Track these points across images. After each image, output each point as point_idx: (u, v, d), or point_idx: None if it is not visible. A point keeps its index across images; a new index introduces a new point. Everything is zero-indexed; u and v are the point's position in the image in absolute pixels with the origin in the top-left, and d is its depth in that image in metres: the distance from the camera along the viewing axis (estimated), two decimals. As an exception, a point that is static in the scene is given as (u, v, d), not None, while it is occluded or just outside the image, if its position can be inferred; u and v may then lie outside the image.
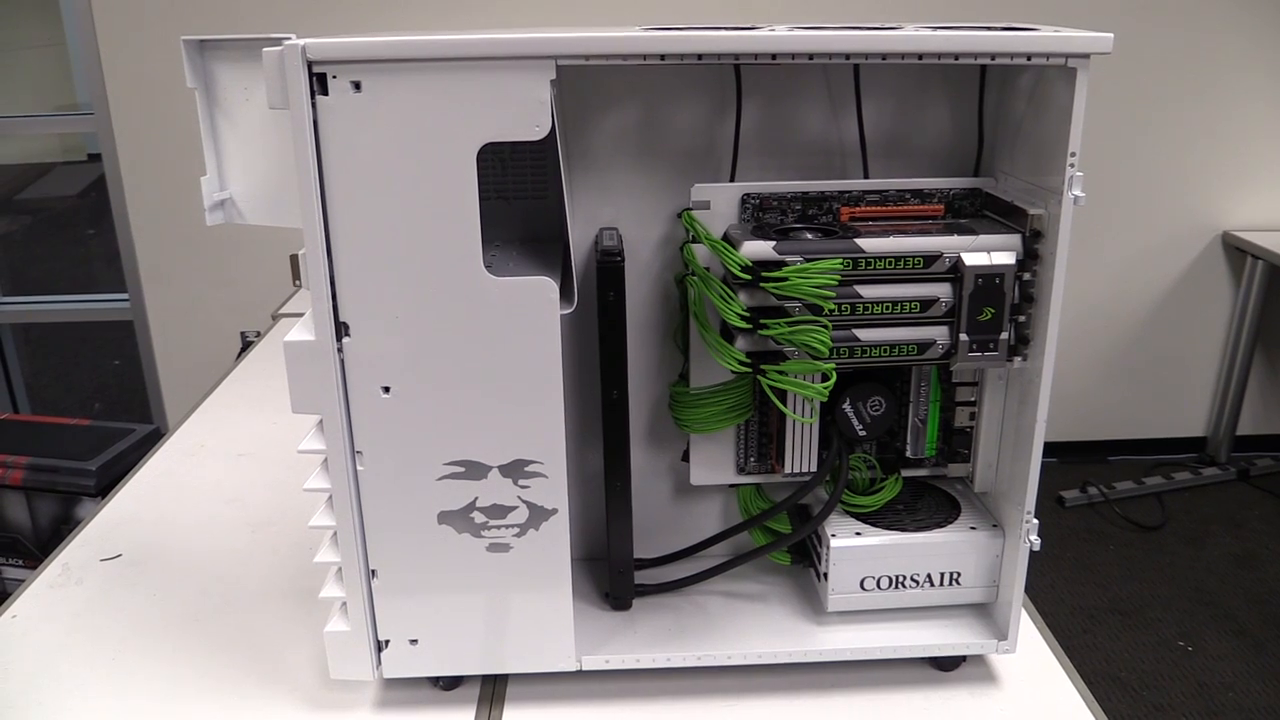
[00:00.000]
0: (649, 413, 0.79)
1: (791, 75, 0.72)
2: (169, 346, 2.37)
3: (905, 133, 0.74)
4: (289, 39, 0.56)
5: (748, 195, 0.69)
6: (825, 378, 0.64)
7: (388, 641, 0.69)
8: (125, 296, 2.33)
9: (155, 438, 1.49)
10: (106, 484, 1.49)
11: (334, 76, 0.56)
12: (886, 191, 0.70)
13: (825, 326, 0.63)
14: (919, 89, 0.73)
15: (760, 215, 0.70)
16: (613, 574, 0.76)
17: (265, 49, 0.56)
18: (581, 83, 0.71)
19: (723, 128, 0.72)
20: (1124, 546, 2.26)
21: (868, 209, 0.70)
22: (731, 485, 0.80)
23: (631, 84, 0.71)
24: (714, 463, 0.77)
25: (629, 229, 0.74)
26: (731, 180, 0.72)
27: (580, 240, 0.74)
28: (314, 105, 0.57)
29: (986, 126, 0.73)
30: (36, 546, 1.52)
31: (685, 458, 0.78)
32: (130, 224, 2.29)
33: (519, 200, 0.76)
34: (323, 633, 0.68)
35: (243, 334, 1.60)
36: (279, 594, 0.85)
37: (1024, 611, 0.77)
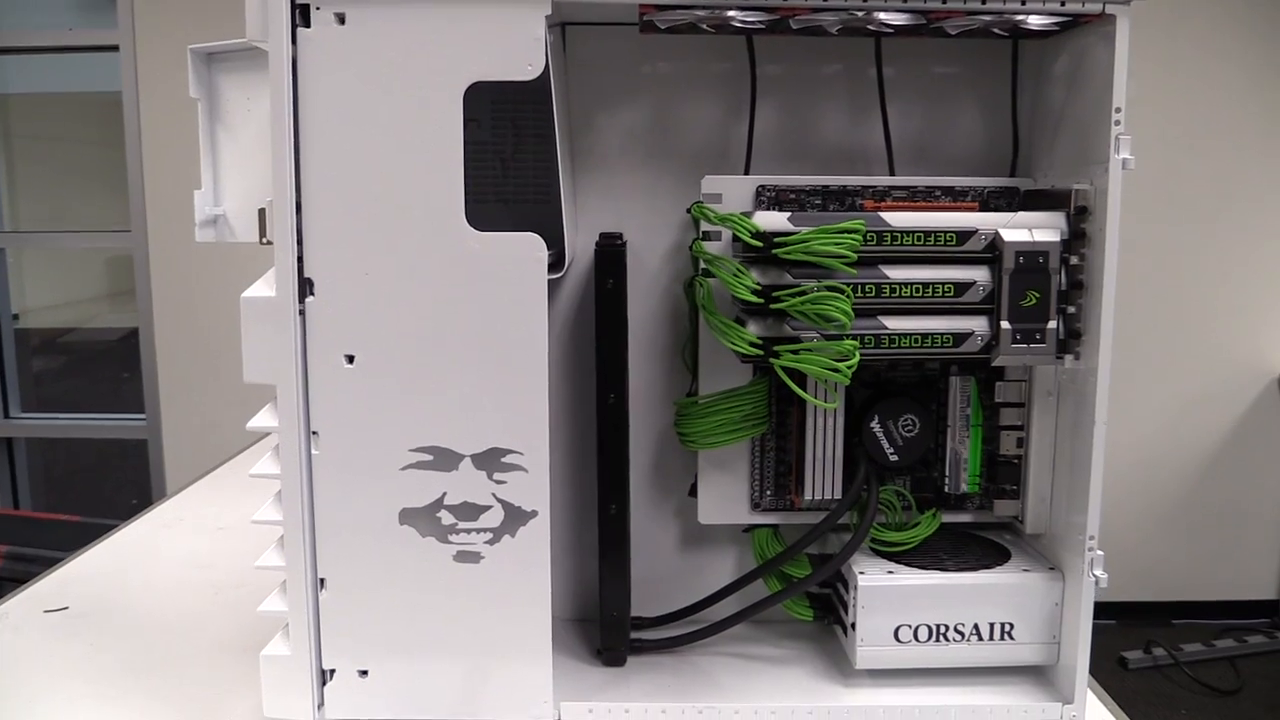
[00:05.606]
0: (653, 448, 0.71)
1: (810, 71, 0.68)
2: (180, 466, 2.32)
3: (934, 139, 0.69)
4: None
5: (763, 187, 0.64)
6: (847, 357, 0.56)
7: (333, 671, 0.58)
8: (143, 415, 2.31)
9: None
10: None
11: (317, 8, 0.53)
12: (915, 188, 0.64)
13: (846, 295, 0.56)
14: (947, 91, 0.68)
15: (776, 209, 0.64)
16: (605, 621, 0.65)
17: (246, -27, 0.53)
18: (590, 79, 0.67)
19: (737, 130, 0.68)
20: (1197, 712, 2.03)
21: (894, 204, 0.64)
22: (746, 528, 0.70)
23: (643, 81, 0.68)
24: (725, 497, 0.68)
25: (635, 236, 0.68)
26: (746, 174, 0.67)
27: (584, 247, 0.69)
28: (294, 39, 0.53)
29: (1022, 126, 0.68)
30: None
31: (693, 492, 0.69)
32: (156, 350, 2.30)
33: (520, 204, 0.71)
34: (259, 657, 0.58)
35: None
36: (229, 649, 0.74)
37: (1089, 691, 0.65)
